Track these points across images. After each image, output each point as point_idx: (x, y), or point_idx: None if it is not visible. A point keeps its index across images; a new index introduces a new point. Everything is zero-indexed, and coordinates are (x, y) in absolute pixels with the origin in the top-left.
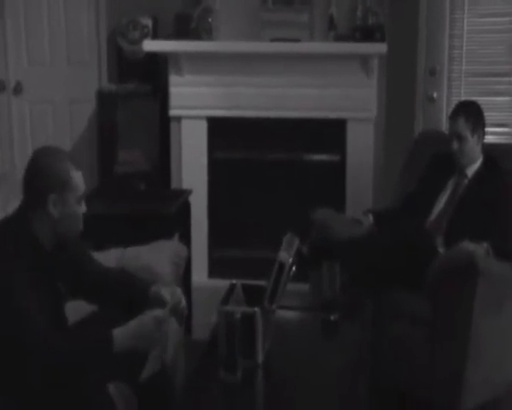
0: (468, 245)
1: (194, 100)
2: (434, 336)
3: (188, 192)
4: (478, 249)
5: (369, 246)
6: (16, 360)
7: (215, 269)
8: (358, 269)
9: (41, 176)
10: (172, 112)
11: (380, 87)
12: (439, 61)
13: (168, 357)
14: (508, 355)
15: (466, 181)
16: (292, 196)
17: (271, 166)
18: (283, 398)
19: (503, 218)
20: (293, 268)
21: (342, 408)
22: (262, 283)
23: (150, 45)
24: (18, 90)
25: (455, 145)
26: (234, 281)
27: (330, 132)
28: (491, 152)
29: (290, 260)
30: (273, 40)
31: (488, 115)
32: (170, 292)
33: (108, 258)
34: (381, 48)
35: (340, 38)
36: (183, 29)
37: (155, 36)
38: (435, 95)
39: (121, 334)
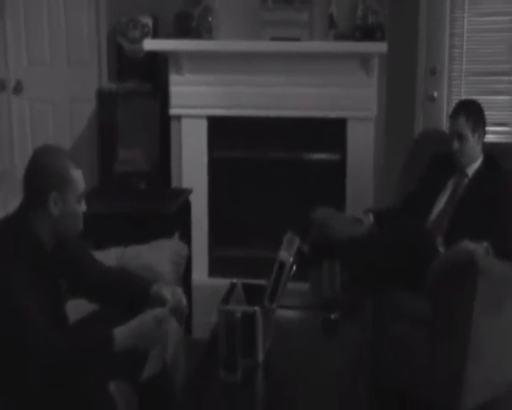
0: (468, 244)
1: (194, 99)
2: (434, 336)
3: (188, 191)
4: (478, 249)
5: (370, 245)
6: (16, 360)
7: (215, 268)
8: (359, 268)
9: (41, 175)
10: (172, 111)
11: (380, 86)
12: (439, 61)
13: (168, 356)
14: (508, 355)
15: (466, 180)
16: (292, 195)
17: (272, 165)
18: (284, 397)
19: (503, 217)
20: (294, 267)
21: (342, 407)
22: (262, 282)
23: (150, 44)
24: (18, 89)
25: (455, 144)
26: (234, 280)
27: (330, 132)
28: (491, 151)
29: (291, 259)
30: (273, 39)
31: (488, 114)
32: (170, 291)
33: (109, 257)
34: (381, 47)
35: (340, 37)
36: (183, 28)
37: (155, 35)
38: (435, 94)
39: (122, 333)
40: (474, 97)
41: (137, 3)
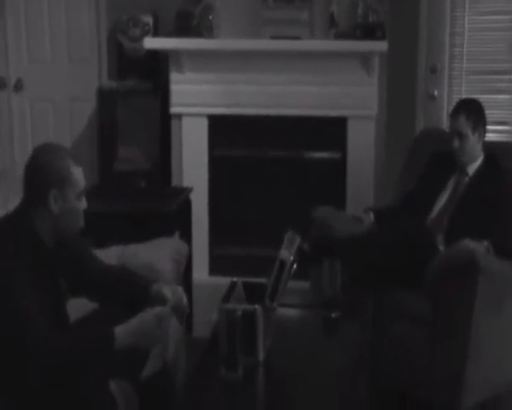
0: (468, 243)
1: (194, 97)
2: (434, 336)
3: (188, 190)
4: (478, 248)
5: (370, 244)
6: (16, 360)
7: (216, 267)
8: (359, 267)
9: (41, 173)
10: (173, 109)
11: (380, 85)
12: (439, 59)
13: (169, 355)
14: (508, 355)
15: (467, 179)
16: (292, 193)
17: (272, 163)
18: (284, 396)
19: (503, 216)
20: (294, 266)
21: (342, 407)
22: (263, 280)
23: (151, 43)
24: (19, 87)
25: (456, 143)
26: (235, 279)
27: (331, 130)
28: (491, 150)
29: (291, 257)
30: (273, 38)
31: (489, 113)
32: (171, 290)
33: (109, 255)
34: (381, 46)
35: (340, 36)
36: (183, 26)
37: (156, 33)
38: (436, 93)
39: (122, 332)
40: (474, 96)
41: (138, 2)
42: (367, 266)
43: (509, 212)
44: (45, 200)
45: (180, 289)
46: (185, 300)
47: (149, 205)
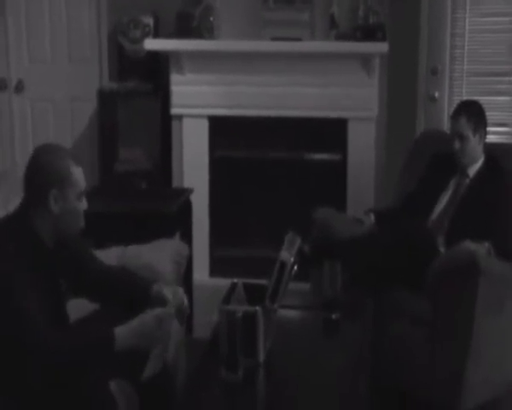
0: (469, 245)
1: (195, 99)
2: (435, 336)
3: (189, 191)
4: (479, 249)
5: (370, 245)
6: (16, 360)
7: (216, 268)
8: (359, 268)
9: (42, 173)
10: (174, 110)
11: (381, 86)
12: (440, 61)
13: (169, 356)
14: (508, 355)
15: (467, 181)
16: (293, 195)
17: (272, 165)
18: (284, 397)
19: (504, 217)
20: (295, 267)
21: (343, 407)
22: (263, 282)
23: (151, 44)
24: (19, 88)
25: (456, 145)
26: (235, 280)
27: (331, 132)
28: (492, 152)
29: (292, 259)
30: (274, 39)
31: (489, 115)
32: (172, 292)
33: (109, 256)
34: (382, 47)
35: (341, 37)
36: (184, 28)
37: (156, 34)
38: (437, 94)
39: (122, 333)
40: (475, 98)
41: (138, 3)
42: (367, 268)
43: (510, 213)
44: (45, 200)
45: (181, 291)
46: (186, 301)
47: (150, 206)
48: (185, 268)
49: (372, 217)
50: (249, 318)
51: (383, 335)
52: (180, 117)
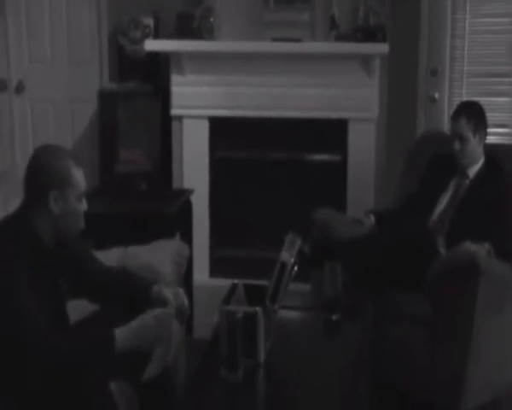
0: (469, 246)
1: (195, 99)
2: (435, 337)
3: (189, 192)
4: (479, 250)
5: (371, 246)
6: (16, 360)
7: (216, 268)
8: (360, 269)
9: (42, 174)
10: (174, 111)
11: (381, 87)
12: (440, 62)
13: (170, 356)
14: (508, 356)
15: (467, 182)
16: (293, 195)
17: (273, 165)
18: (285, 397)
19: (504, 218)
20: (295, 268)
21: (343, 408)
22: (264, 282)
23: (152, 45)
24: (20, 89)
25: (456, 146)
26: (235, 281)
27: (332, 132)
28: (492, 153)
29: (292, 259)
30: (274, 40)
31: (489, 116)
32: (172, 292)
33: (110, 257)
34: (382, 48)
35: (341, 38)
36: (184, 28)
37: (157, 35)
38: (437, 95)
39: (122, 333)
40: (475, 99)
41: (138, 3)
42: (367, 268)
43: (510, 214)
44: (45, 201)
45: (181, 292)
46: (186, 302)
47: (150, 207)
48: (185, 269)
49: (372, 218)
50: (249, 318)
51: (383, 336)
52: (180, 118)
